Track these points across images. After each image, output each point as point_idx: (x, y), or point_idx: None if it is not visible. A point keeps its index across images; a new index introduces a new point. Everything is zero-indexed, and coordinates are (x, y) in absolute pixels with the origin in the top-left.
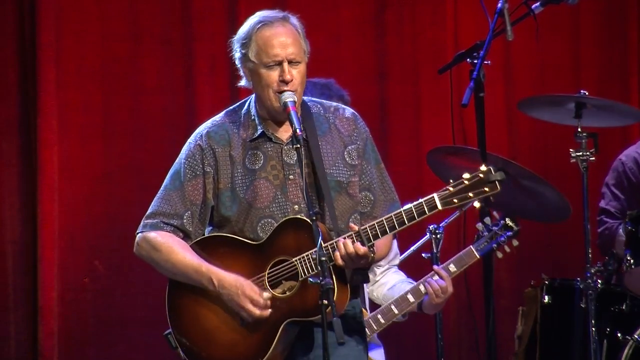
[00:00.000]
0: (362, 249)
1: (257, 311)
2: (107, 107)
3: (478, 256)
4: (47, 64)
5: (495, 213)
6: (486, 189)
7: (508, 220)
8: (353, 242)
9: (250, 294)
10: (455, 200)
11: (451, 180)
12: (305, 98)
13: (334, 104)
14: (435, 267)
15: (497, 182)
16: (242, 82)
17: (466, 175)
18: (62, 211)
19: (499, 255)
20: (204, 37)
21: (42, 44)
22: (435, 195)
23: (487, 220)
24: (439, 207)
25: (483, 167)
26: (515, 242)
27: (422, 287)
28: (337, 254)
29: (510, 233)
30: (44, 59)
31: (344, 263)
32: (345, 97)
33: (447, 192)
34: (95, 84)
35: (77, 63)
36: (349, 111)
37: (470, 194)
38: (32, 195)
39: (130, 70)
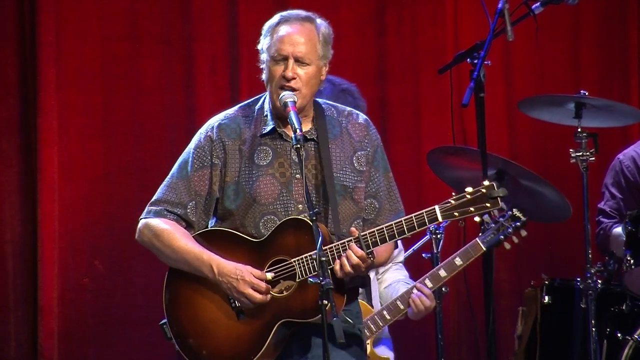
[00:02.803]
0: (359, 252)
1: (258, 296)
2: (107, 107)
3: (484, 248)
4: (47, 64)
5: (502, 204)
6: (488, 204)
7: (515, 211)
8: (352, 245)
9: (251, 279)
10: (456, 214)
11: (453, 193)
12: (320, 100)
13: (348, 108)
14: (417, 284)
15: (498, 198)
16: (263, 77)
17: (469, 189)
18: (62, 211)
19: (507, 246)
20: (204, 37)
21: (42, 44)
22: (436, 207)
23: (494, 211)
24: (440, 219)
25: (486, 182)
26: (523, 233)
27: (428, 282)
28: (337, 267)
29: (518, 223)
30: (44, 59)
31: (343, 276)
32: (361, 107)
33: (448, 204)
34: (95, 84)
35: (77, 63)
36: (362, 117)
37: (472, 209)
38: (32, 195)
39: (130, 70)
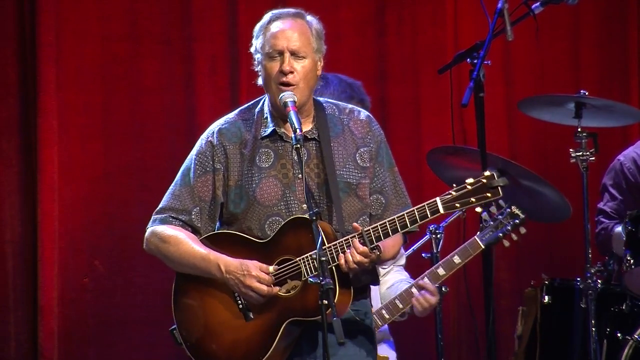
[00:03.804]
0: (361, 248)
1: (264, 288)
2: (107, 107)
3: (483, 246)
4: (47, 64)
5: (501, 201)
6: (488, 194)
7: (514, 208)
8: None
9: (257, 272)
10: (458, 205)
11: (454, 185)
12: (321, 99)
13: (350, 106)
14: (420, 281)
15: (499, 188)
16: (259, 81)
17: (469, 180)
18: (62, 211)
19: (506, 244)
20: (204, 37)
21: (42, 44)
22: (437, 199)
23: (493, 209)
24: (441, 211)
25: (487, 172)
26: (522, 230)
27: (426, 280)
28: (342, 261)
29: (517, 221)
30: (44, 59)
31: (348, 271)
32: (366, 102)
33: (449, 196)
34: (95, 84)
35: (77, 63)
36: (364, 114)
37: (473, 199)
38: (32, 195)
39: (130, 70)
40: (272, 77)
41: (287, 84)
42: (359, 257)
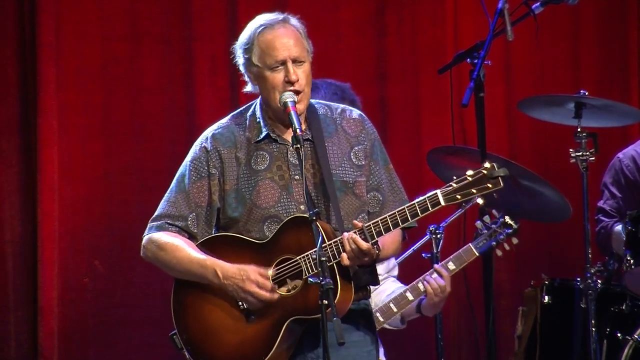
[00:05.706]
0: (364, 245)
1: (264, 293)
2: (107, 107)
3: (477, 254)
4: (47, 64)
5: (494, 211)
6: (489, 185)
7: (507, 218)
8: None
9: (256, 277)
10: (459, 197)
11: (455, 177)
12: (312, 100)
13: (342, 105)
14: (436, 265)
15: (500, 178)
16: (248, 88)
17: (469, 172)
18: (62, 211)
19: (499, 253)
20: (204, 37)
21: (42, 44)
22: (438, 191)
23: (487, 218)
24: (442, 203)
25: (487, 164)
26: (515, 240)
27: (420, 285)
28: (344, 253)
29: (509, 231)
30: (44, 59)
31: (349, 261)
32: (356, 102)
33: (450, 188)
34: (95, 84)
35: (77, 63)
36: (356, 112)
37: (474, 190)
38: (32, 195)
39: (130, 70)
40: (278, 87)
41: (296, 92)
42: (359, 252)
